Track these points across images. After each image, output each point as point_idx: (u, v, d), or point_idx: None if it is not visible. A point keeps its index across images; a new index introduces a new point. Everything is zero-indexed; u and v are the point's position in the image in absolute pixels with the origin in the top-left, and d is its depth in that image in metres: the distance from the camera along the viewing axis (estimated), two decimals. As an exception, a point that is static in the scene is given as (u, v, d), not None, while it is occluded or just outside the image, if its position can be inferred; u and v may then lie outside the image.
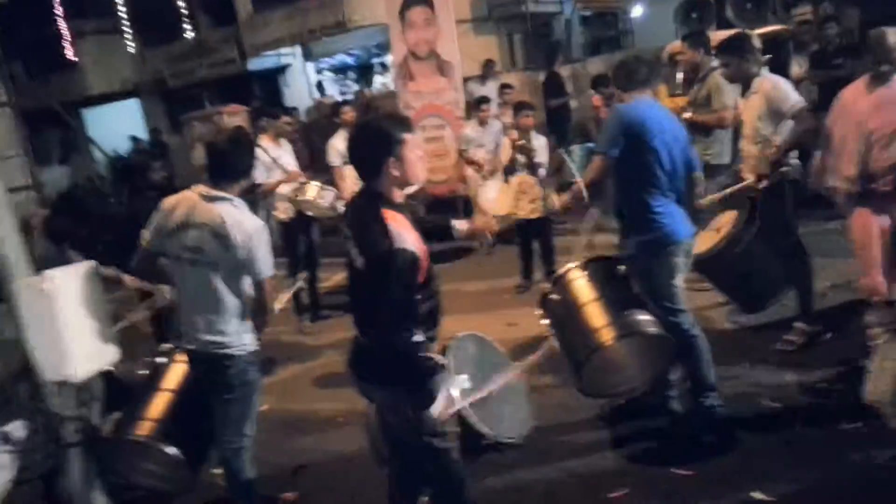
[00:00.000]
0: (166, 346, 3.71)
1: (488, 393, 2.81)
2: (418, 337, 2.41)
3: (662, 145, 3.29)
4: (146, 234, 3.12)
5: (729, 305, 4.88)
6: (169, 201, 3.10)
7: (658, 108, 3.45)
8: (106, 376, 3.41)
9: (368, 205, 2.44)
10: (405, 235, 2.33)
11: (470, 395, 2.64)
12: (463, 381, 2.62)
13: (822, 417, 3.48)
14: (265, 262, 2.98)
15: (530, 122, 6.04)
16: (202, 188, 3.03)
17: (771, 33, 10.13)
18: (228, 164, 3.06)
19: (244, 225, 2.94)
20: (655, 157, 3.29)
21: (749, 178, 4.17)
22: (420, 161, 2.50)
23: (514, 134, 6.11)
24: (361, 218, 2.45)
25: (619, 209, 3.51)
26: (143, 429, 3.31)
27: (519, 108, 6.24)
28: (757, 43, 4.78)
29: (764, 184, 4.06)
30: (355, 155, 2.51)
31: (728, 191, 4.39)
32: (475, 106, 7.43)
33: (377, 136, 2.44)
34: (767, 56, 7.54)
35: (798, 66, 7.93)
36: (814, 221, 6.47)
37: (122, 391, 3.57)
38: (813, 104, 7.62)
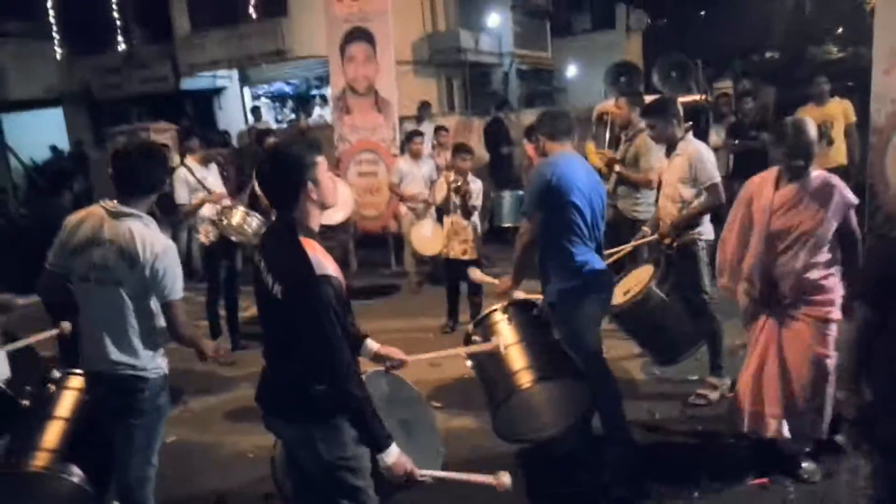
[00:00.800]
0: (56, 373, 3.49)
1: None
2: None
3: (582, 199, 3.43)
4: (50, 256, 2.95)
5: (645, 357, 5.03)
6: (73, 219, 2.95)
7: (578, 162, 3.60)
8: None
9: (285, 232, 2.37)
10: (325, 262, 2.29)
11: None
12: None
13: (730, 470, 3.59)
14: (174, 284, 2.86)
15: (467, 166, 6.13)
16: (109, 204, 2.89)
17: (692, 102, 10.76)
18: (138, 178, 2.92)
19: (152, 243, 2.83)
20: (576, 210, 3.43)
21: (647, 233, 4.41)
22: (332, 182, 2.46)
23: (451, 175, 6.18)
24: (278, 246, 2.38)
25: (541, 257, 3.59)
26: (39, 459, 3.08)
27: (458, 150, 6.31)
28: (679, 110, 5.09)
29: (667, 242, 4.28)
30: (269, 183, 2.40)
31: (628, 246, 4.63)
32: (408, 139, 7.51)
33: (292, 162, 2.35)
34: (689, 123, 8.01)
35: (716, 135, 8.42)
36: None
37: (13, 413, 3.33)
38: (728, 172, 8.10)
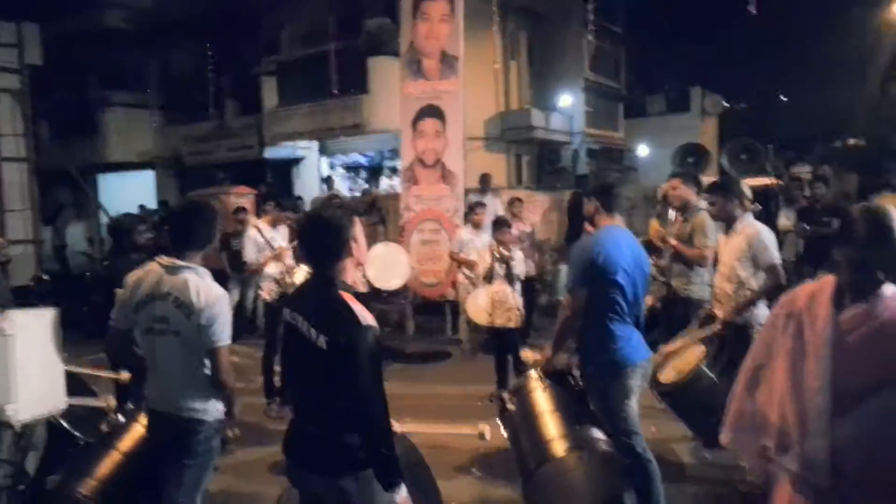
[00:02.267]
0: (130, 406, 3.69)
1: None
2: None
3: (625, 277, 3.43)
4: (113, 313, 3.17)
5: (696, 440, 4.84)
6: (133, 277, 3.17)
7: (623, 237, 3.60)
8: (54, 430, 3.37)
9: (325, 287, 2.53)
10: (366, 315, 2.42)
11: None
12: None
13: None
14: (222, 331, 3.02)
15: (508, 238, 6.33)
16: (165, 260, 3.11)
17: (762, 185, 10.61)
18: (188, 234, 3.14)
19: (206, 292, 3.01)
20: (618, 288, 3.43)
21: (718, 316, 4.31)
22: (364, 242, 2.63)
23: (494, 244, 6.34)
24: (321, 300, 2.51)
25: (581, 330, 3.59)
26: (87, 487, 3.24)
27: (497, 223, 6.59)
28: (748, 192, 5.06)
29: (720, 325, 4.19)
30: (315, 244, 2.59)
31: (693, 336, 4.51)
32: (471, 209, 7.68)
33: (337, 223, 2.56)
34: (756, 206, 7.90)
35: (785, 219, 8.26)
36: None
37: (68, 445, 3.51)
38: (797, 257, 7.88)
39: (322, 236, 2.56)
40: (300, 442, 2.59)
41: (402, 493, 2.43)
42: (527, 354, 4.37)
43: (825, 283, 2.29)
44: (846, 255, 2.20)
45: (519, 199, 9.20)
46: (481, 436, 3.08)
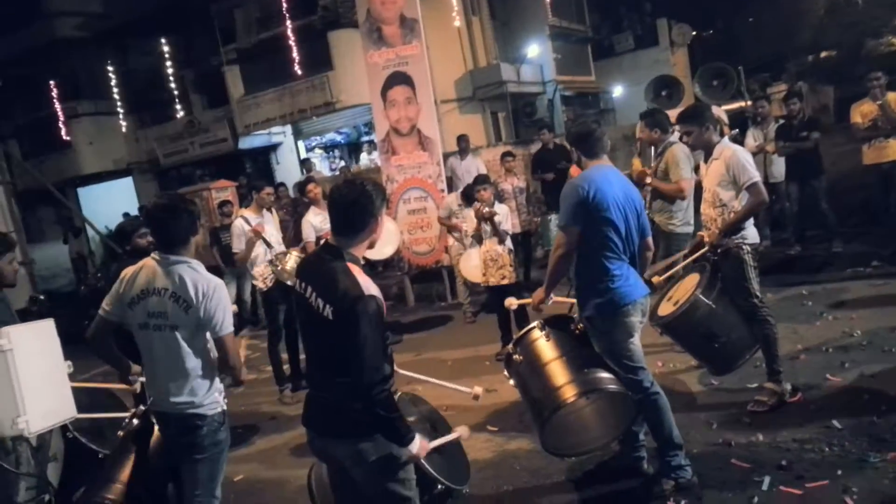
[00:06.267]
0: (140, 409, 3.71)
1: (446, 442, 2.93)
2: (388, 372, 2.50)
3: (618, 213, 3.42)
4: (105, 303, 3.16)
5: (702, 368, 4.93)
6: (129, 271, 3.16)
7: (614, 175, 3.58)
8: (71, 441, 3.40)
9: (331, 258, 2.56)
10: (370, 285, 2.47)
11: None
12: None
13: (791, 476, 3.49)
14: (224, 319, 3.03)
15: (488, 195, 6.27)
16: (159, 255, 3.10)
17: (737, 109, 10.61)
18: (168, 232, 3.11)
19: (203, 284, 3.02)
20: (611, 226, 3.42)
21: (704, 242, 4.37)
22: (382, 224, 2.66)
23: (477, 205, 6.33)
24: (328, 271, 2.54)
25: (577, 271, 3.60)
26: (113, 492, 3.29)
27: (477, 181, 6.52)
28: (724, 118, 5.06)
29: (704, 249, 4.23)
30: (344, 209, 2.59)
31: (679, 266, 4.56)
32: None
33: (368, 197, 2.57)
34: (735, 131, 7.87)
35: (752, 139, 8.24)
36: (782, 287, 6.66)
37: (87, 453, 3.56)
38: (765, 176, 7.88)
39: (354, 204, 2.57)
40: (317, 410, 2.66)
41: (417, 444, 2.53)
42: (509, 301, 4.37)
43: None
44: None
45: (511, 153, 9.17)
46: (476, 398, 3.25)
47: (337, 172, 15.34)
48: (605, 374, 3.41)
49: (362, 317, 2.39)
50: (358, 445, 2.52)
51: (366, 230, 2.58)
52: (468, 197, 6.66)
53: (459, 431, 2.99)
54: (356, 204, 2.56)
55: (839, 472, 3.41)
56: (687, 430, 3.91)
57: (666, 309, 4.39)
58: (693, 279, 4.42)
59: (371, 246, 2.68)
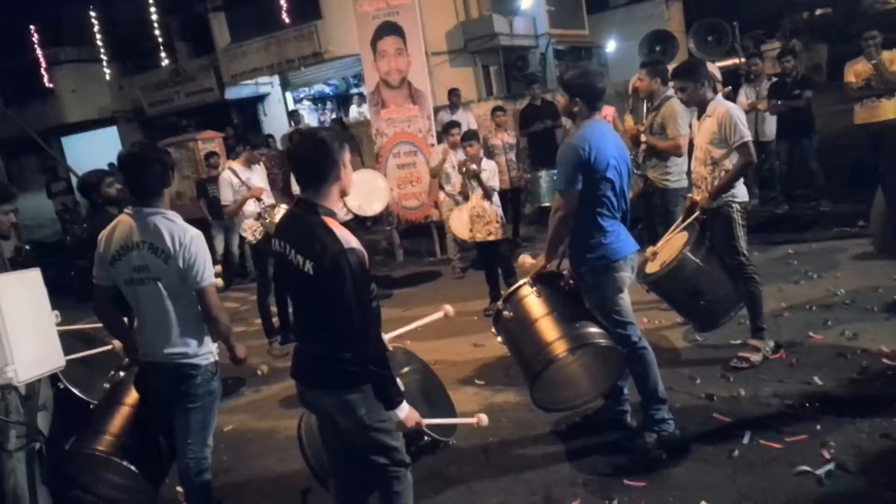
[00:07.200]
0: (125, 361, 3.72)
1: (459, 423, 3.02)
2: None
3: (614, 172, 3.40)
4: (94, 271, 3.14)
5: (687, 325, 5.00)
6: (105, 231, 3.13)
7: (608, 132, 3.54)
8: (60, 391, 3.41)
9: (307, 214, 2.54)
10: (349, 237, 2.44)
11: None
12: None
13: (771, 431, 3.57)
14: (204, 269, 3.01)
15: (475, 150, 6.25)
16: (132, 209, 3.07)
17: (732, 65, 10.49)
18: (143, 183, 3.06)
19: (180, 234, 2.99)
20: (609, 183, 3.40)
21: (697, 200, 4.38)
22: (351, 170, 2.62)
23: (462, 160, 6.29)
24: (304, 227, 2.52)
25: (570, 230, 3.59)
26: (103, 443, 3.32)
27: (464, 138, 6.52)
28: (718, 74, 4.98)
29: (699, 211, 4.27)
30: (304, 161, 2.56)
31: (670, 233, 4.56)
32: (445, 131, 7.56)
33: (328, 142, 2.53)
34: (728, 88, 7.80)
35: (744, 97, 8.21)
36: (769, 246, 6.71)
37: (78, 404, 3.58)
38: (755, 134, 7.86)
39: (311, 156, 2.53)
40: (304, 363, 2.68)
41: (404, 411, 2.52)
42: (524, 259, 4.10)
43: None
44: None
45: (501, 108, 9.06)
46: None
47: (326, 125, 15.13)
48: (595, 329, 3.44)
49: (344, 270, 2.38)
50: (345, 396, 2.54)
51: (330, 178, 2.54)
52: (463, 139, 6.62)
53: (479, 418, 2.94)
54: (314, 154, 2.53)
55: (818, 427, 3.50)
56: (671, 384, 3.98)
57: (653, 267, 4.43)
58: (681, 237, 4.44)
59: (344, 194, 2.65)
